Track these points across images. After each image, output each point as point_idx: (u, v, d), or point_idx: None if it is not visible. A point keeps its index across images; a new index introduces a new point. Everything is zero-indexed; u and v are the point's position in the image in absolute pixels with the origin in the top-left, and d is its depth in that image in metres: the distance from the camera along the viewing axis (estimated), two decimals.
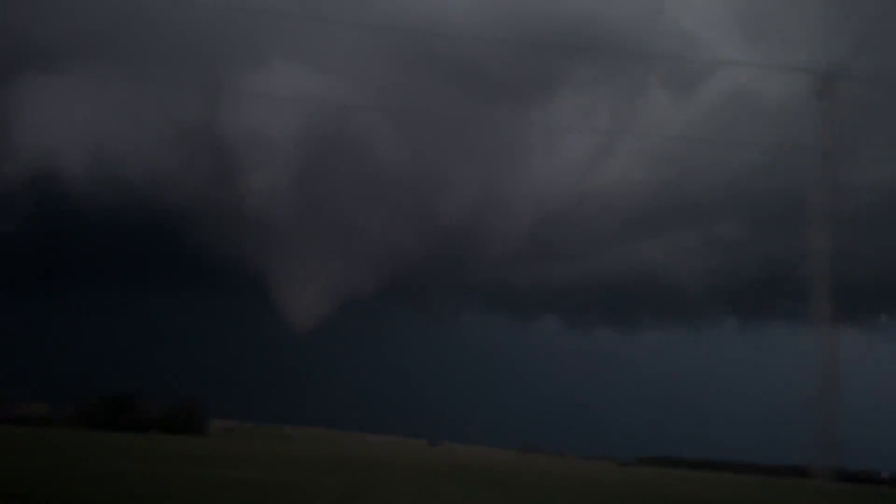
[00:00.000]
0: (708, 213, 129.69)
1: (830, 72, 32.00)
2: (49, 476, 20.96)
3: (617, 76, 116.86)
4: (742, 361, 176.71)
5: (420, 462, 42.74)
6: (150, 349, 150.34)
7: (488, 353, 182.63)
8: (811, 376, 30.10)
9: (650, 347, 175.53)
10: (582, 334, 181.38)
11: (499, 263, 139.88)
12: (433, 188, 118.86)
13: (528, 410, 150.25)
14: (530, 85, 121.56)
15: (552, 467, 53.54)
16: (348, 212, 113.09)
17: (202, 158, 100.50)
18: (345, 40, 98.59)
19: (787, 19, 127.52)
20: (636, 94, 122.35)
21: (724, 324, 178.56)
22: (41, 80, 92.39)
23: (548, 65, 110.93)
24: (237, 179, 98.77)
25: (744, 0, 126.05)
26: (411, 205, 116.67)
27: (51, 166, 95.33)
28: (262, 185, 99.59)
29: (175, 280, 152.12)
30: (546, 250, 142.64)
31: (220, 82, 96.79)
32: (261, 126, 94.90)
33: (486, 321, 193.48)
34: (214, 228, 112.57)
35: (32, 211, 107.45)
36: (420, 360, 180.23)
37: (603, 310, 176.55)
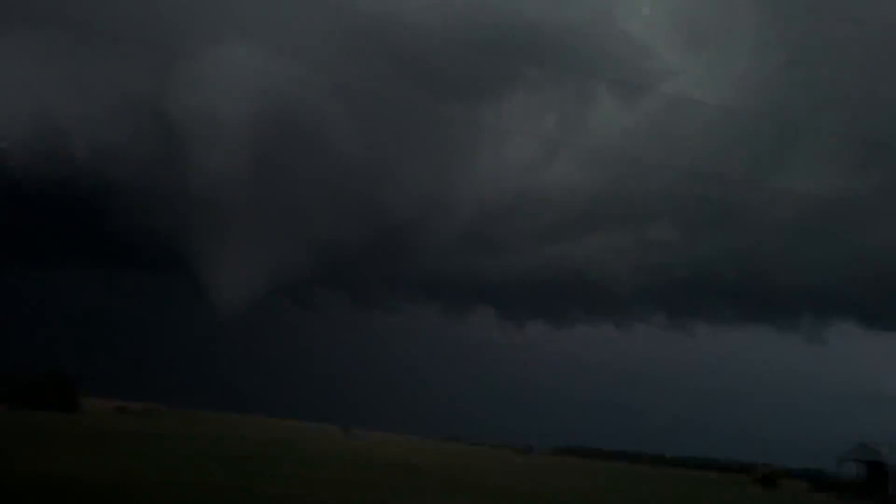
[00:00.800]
0: (642, 215, 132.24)
1: None
2: None
3: (566, 80, 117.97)
4: (670, 357, 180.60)
5: (299, 449, 41.29)
6: (62, 327, 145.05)
7: (421, 342, 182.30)
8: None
9: (581, 341, 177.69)
10: (515, 327, 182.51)
11: (438, 256, 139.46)
12: (380, 180, 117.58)
13: (458, 399, 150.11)
14: (483, 84, 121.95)
15: (433, 455, 52.64)
16: (292, 198, 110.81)
17: (148, 134, 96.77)
18: (306, 27, 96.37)
19: (727, 30, 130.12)
20: (585, 98, 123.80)
21: (652, 320, 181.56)
22: None
23: (500, 66, 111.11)
24: (181, 158, 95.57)
25: (687, 10, 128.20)
26: (357, 195, 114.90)
27: None
28: (206, 165, 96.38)
29: (101, 258, 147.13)
30: (485, 245, 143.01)
31: (173, 56, 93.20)
32: (210, 104, 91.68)
33: (421, 311, 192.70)
34: (151, 206, 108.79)
35: None
36: (349, 347, 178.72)
37: (536, 303, 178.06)
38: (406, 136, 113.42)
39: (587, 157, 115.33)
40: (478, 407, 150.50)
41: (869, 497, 57.22)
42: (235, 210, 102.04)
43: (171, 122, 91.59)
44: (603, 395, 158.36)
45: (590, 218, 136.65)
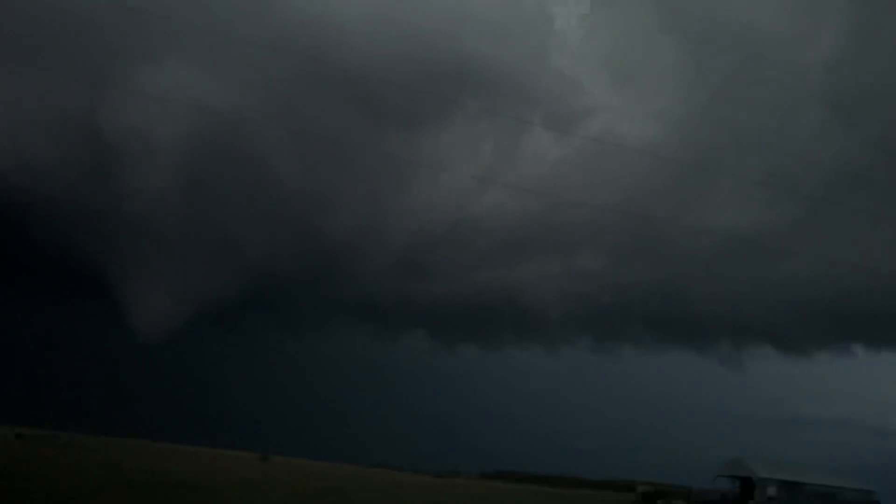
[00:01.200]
0: (570, 244, 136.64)
1: None
2: None
3: (503, 113, 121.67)
4: (595, 379, 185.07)
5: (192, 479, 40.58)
6: None
7: (349, 365, 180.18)
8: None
9: (509, 364, 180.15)
10: (446, 350, 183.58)
11: (372, 280, 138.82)
12: (315, 205, 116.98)
13: (387, 424, 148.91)
14: (421, 115, 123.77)
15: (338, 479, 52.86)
16: (223, 221, 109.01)
17: (78, 153, 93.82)
18: (245, 50, 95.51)
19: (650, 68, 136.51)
20: (518, 130, 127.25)
21: (579, 344, 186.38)
22: None
23: (439, 97, 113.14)
24: (112, 177, 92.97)
25: (613, 49, 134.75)
26: (290, 219, 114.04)
27: None
28: (137, 185, 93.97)
29: (19, 278, 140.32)
30: (418, 270, 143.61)
31: (106, 75, 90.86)
32: (143, 124, 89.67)
33: (352, 335, 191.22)
34: (77, 226, 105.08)
35: None
36: (274, 371, 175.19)
37: (468, 327, 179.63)
38: (344, 164, 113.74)
39: (519, 188, 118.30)
40: (406, 432, 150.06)
41: None
42: (165, 233, 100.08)
43: (103, 141, 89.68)
44: (531, 418, 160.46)
45: (520, 246, 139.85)
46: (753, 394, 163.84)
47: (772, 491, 62.04)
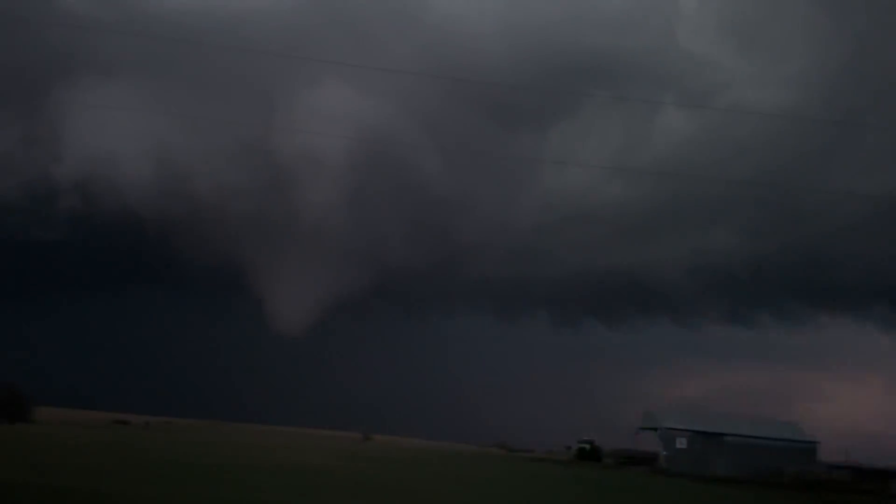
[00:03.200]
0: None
1: None
2: None
3: (632, 97, 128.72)
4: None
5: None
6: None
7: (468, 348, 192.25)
8: None
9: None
10: (569, 328, 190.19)
11: (493, 268, 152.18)
12: (452, 206, 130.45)
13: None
14: (549, 111, 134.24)
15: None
16: (369, 225, 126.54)
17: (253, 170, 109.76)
18: (391, 64, 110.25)
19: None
20: (648, 112, 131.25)
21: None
22: None
23: (568, 91, 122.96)
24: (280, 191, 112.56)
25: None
26: (428, 220, 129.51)
27: None
28: (303, 198, 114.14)
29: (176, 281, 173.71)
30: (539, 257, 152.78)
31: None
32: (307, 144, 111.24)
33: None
34: (238, 234, 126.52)
35: None
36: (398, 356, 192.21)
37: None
38: (478, 168, 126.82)
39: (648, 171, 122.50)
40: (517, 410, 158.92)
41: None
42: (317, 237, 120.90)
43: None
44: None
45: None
46: None
47: (681, 443, 62.30)
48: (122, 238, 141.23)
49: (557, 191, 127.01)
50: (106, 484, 19.42)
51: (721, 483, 50.33)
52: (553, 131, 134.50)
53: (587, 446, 68.65)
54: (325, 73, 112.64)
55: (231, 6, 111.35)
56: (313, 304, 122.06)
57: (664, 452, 62.32)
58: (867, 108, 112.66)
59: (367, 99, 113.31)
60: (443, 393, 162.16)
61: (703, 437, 62.34)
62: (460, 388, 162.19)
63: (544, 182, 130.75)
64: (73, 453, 30.92)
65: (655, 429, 64.15)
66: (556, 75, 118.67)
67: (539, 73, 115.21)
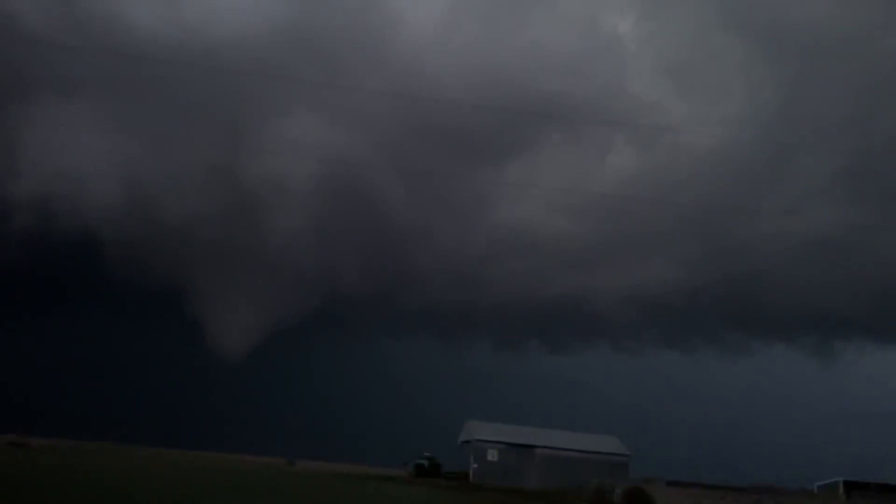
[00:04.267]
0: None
1: None
2: None
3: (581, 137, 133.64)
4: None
5: None
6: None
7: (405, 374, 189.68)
8: None
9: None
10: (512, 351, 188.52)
11: (437, 293, 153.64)
12: (407, 233, 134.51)
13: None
14: (506, 147, 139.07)
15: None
16: (320, 251, 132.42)
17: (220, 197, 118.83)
18: (355, 98, 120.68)
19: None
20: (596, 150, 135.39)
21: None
22: None
23: (524, 130, 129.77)
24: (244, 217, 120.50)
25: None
26: (381, 246, 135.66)
27: None
28: (263, 224, 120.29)
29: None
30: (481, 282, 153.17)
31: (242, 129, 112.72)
32: (272, 172, 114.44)
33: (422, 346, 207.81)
34: (187, 258, 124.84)
35: None
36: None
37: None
38: (437, 196, 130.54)
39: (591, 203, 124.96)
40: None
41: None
42: (262, 261, 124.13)
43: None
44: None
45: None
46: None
47: (493, 455, 60.16)
48: (53, 257, 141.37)
49: (507, 223, 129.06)
50: None
51: (513, 494, 47.44)
52: (510, 167, 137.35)
53: (425, 463, 66.64)
54: (294, 101, 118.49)
55: (203, 36, 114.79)
56: (254, 328, 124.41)
57: (474, 465, 60.16)
58: (799, 148, 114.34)
59: (328, 127, 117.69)
60: (375, 417, 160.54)
61: (515, 450, 60.04)
62: (390, 412, 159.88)
63: (496, 214, 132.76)
64: None
65: (467, 441, 62.20)
66: (514, 115, 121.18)
67: (497, 112, 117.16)
